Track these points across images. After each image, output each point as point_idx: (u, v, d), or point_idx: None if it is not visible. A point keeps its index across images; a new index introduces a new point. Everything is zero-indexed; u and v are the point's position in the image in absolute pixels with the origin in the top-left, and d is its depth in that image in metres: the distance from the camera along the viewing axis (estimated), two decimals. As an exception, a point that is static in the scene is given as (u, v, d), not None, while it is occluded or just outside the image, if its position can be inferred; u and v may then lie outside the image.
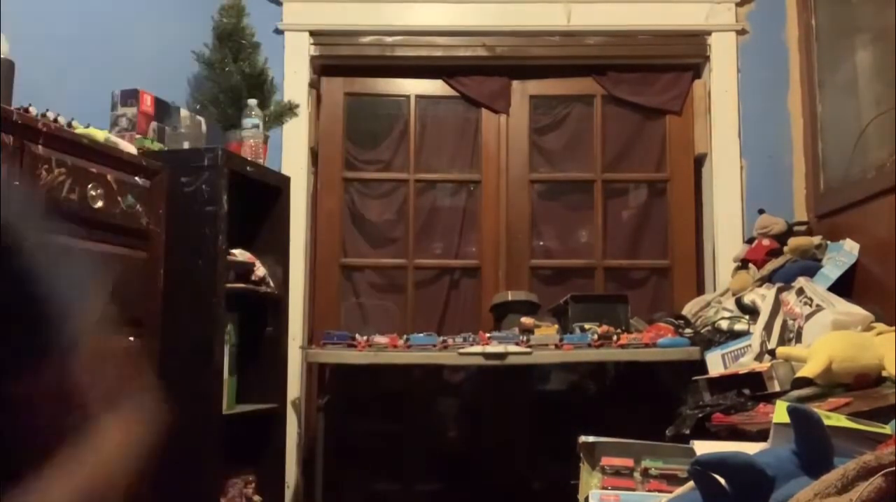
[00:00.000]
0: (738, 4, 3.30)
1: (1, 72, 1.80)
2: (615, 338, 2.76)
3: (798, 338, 2.18)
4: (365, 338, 2.83)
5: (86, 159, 1.77)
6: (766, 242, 2.90)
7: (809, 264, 2.61)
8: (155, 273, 1.98)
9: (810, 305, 2.23)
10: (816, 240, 2.72)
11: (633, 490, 1.68)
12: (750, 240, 3.01)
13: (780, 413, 1.20)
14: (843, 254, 2.54)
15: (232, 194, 2.34)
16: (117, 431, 0.91)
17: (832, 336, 1.96)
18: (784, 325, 2.28)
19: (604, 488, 1.69)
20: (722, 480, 1.02)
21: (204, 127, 2.74)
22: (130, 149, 2.04)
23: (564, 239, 3.53)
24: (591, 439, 1.85)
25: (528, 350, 2.71)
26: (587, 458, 1.85)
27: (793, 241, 2.71)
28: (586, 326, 2.81)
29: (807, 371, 1.83)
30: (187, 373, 2.21)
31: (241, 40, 2.93)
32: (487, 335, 2.79)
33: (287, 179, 2.80)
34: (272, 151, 2.96)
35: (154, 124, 2.49)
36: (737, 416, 1.92)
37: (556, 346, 2.74)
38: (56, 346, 0.88)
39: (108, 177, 1.82)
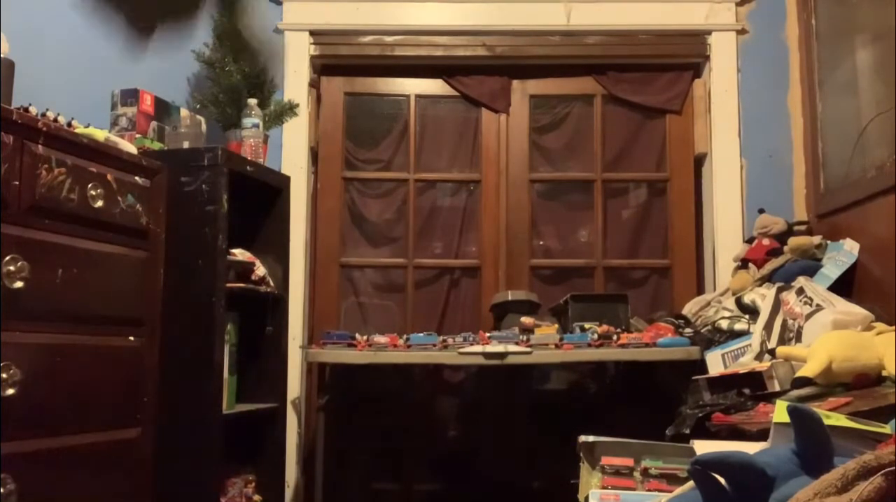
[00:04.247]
0: (738, 4, 3.30)
1: (1, 72, 1.80)
2: (615, 337, 2.76)
3: (798, 338, 2.18)
4: (365, 337, 2.83)
5: (86, 159, 1.77)
6: (766, 242, 2.90)
7: (809, 264, 2.61)
8: (155, 273, 1.98)
9: (810, 305, 2.23)
10: (816, 239, 2.72)
11: (633, 489, 1.69)
12: (750, 240, 3.01)
13: (780, 412, 1.20)
14: (843, 254, 2.54)
15: (232, 194, 2.34)
16: None
17: (832, 335, 1.96)
18: (784, 325, 2.28)
19: (604, 487, 1.70)
20: (722, 480, 1.02)
21: (204, 126, 2.74)
22: (130, 148, 2.03)
23: (564, 238, 3.53)
24: (590, 439, 1.85)
25: (528, 349, 2.71)
26: (587, 458, 1.85)
27: (793, 241, 2.71)
28: (586, 326, 2.80)
29: (807, 370, 1.83)
30: (187, 373, 2.22)
31: (241, 40, 2.93)
32: (487, 334, 2.79)
33: (287, 179, 2.80)
34: (272, 151, 2.96)
35: (154, 124, 2.49)
36: (737, 416, 1.92)
37: (556, 346, 2.74)
38: None
39: (108, 176, 1.82)
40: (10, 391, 1.53)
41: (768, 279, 2.70)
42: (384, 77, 3.54)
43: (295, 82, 3.31)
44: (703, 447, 1.53)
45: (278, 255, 2.72)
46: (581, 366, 3.27)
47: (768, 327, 2.33)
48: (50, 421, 1.64)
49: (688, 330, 2.78)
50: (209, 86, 2.91)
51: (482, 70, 3.48)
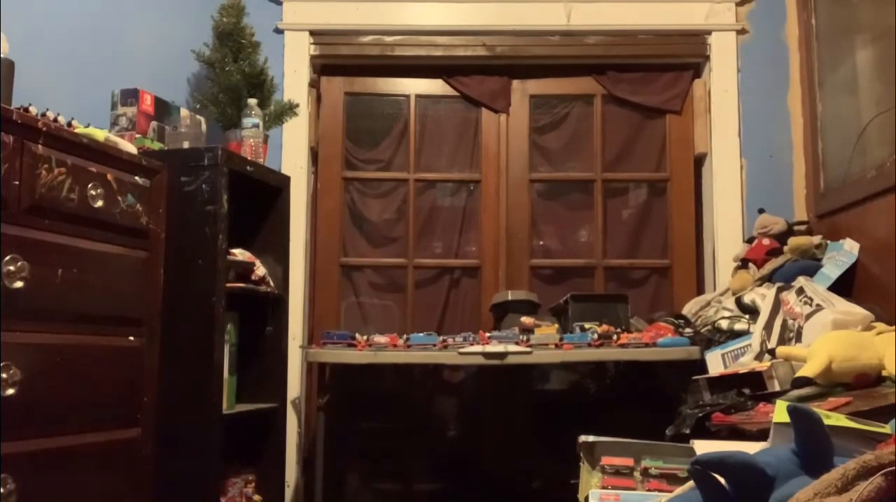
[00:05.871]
0: (738, 4, 3.30)
1: (1, 72, 1.80)
2: (615, 337, 2.76)
3: (798, 338, 2.18)
4: (365, 337, 2.83)
5: (86, 159, 1.77)
6: (766, 242, 2.90)
7: (809, 264, 2.61)
8: (155, 273, 1.98)
9: (810, 305, 2.23)
10: (816, 239, 2.72)
11: (633, 489, 1.69)
12: (750, 240, 3.01)
13: (780, 412, 1.20)
14: (842, 254, 2.54)
15: (232, 194, 2.34)
16: None
17: (832, 335, 1.96)
18: (784, 325, 2.28)
19: (604, 487, 1.70)
20: (722, 480, 1.02)
21: (204, 126, 2.74)
22: (130, 148, 2.03)
23: (564, 238, 3.53)
24: (591, 438, 1.85)
25: (528, 349, 2.71)
26: (587, 458, 1.85)
27: (793, 241, 2.71)
28: (586, 326, 2.80)
29: (807, 370, 1.83)
30: (187, 373, 2.22)
31: (241, 40, 2.92)
32: (487, 334, 2.79)
33: (287, 179, 2.80)
34: (272, 151, 2.96)
35: (154, 124, 2.49)
36: (737, 416, 1.92)
37: (556, 346, 2.74)
38: None
39: (108, 176, 1.82)
40: (10, 391, 1.53)
41: (768, 279, 2.70)
42: (384, 77, 3.54)
43: (295, 82, 3.31)
44: (703, 447, 1.53)
45: (278, 255, 2.72)
46: (581, 366, 3.27)
47: (768, 327, 2.33)
48: (50, 421, 1.64)
49: (688, 330, 2.78)
50: (209, 86, 2.91)
51: (482, 70, 3.48)
